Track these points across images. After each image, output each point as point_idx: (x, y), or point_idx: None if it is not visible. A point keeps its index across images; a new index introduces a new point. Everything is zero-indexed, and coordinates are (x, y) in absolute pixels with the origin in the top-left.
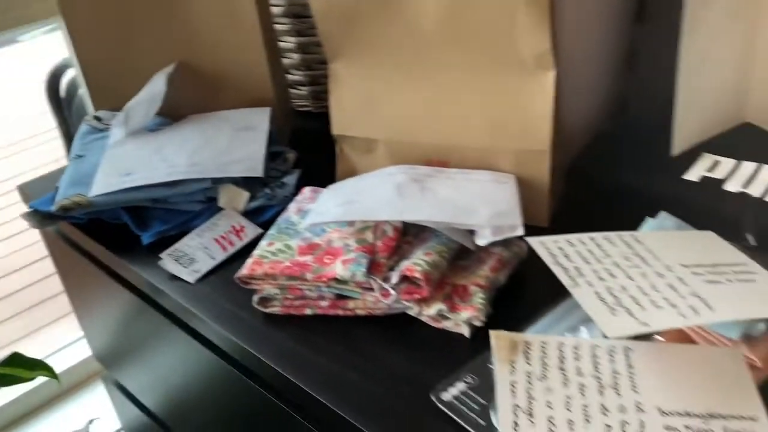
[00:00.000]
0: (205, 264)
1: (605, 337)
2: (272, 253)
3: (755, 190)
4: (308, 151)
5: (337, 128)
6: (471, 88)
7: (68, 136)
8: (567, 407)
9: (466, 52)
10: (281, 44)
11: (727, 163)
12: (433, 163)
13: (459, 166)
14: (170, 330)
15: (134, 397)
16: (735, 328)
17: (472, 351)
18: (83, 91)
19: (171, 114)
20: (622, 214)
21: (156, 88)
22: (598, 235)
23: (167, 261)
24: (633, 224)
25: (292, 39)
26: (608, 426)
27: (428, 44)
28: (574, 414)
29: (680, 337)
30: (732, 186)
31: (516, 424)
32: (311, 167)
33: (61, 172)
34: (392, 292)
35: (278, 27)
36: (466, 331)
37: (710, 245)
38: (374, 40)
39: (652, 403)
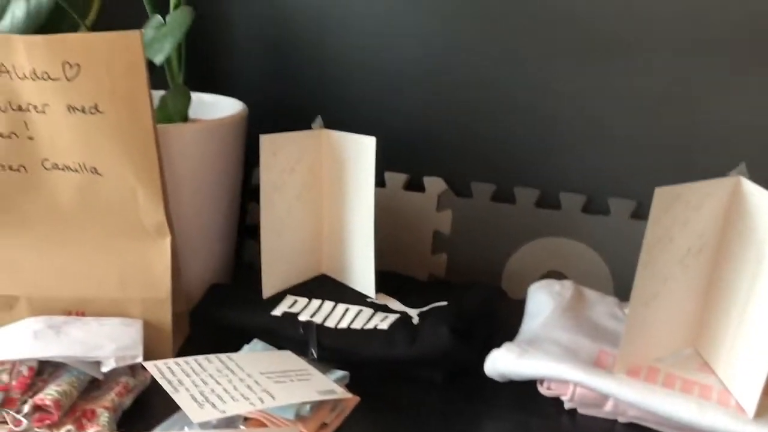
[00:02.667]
0: None
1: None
2: None
3: (318, 319)
4: None
5: None
6: (104, 249)
7: None
8: None
9: (100, 223)
10: None
11: (302, 301)
12: (71, 314)
13: (95, 315)
14: None
15: None
16: (290, 410)
17: None
18: None
19: None
20: (230, 343)
21: None
22: (200, 357)
23: None
24: (237, 349)
25: None
26: None
27: (67, 216)
28: None
29: (257, 424)
30: (303, 317)
31: None
32: None
33: None
34: (24, 420)
35: None
36: None
37: (285, 359)
38: (15, 212)
39: None
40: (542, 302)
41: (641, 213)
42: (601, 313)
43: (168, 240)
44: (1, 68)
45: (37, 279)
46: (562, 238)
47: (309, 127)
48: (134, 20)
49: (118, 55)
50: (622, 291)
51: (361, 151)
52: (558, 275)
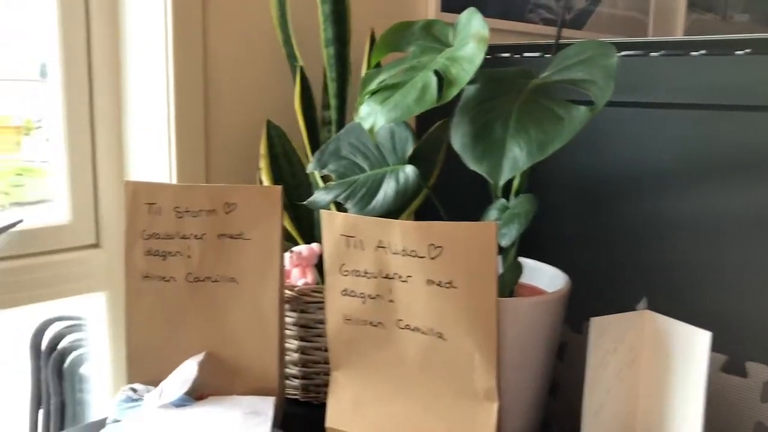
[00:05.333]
0: None
1: None
2: None
3: None
4: None
5: (330, 422)
6: (436, 405)
7: (37, 382)
8: None
9: (436, 380)
10: (287, 345)
11: None
12: None
13: None
14: None
15: None
16: None
17: None
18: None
19: (194, 393)
20: None
21: (188, 371)
22: None
23: None
24: None
25: (296, 342)
26: None
27: (409, 370)
28: None
29: None
30: None
31: None
32: None
33: None
34: None
35: (288, 333)
36: None
37: None
38: (369, 360)
39: None
40: None
41: None
42: None
43: (495, 406)
44: (381, 244)
45: (375, 421)
46: None
47: (622, 296)
48: (462, 182)
49: (475, 241)
50: None
51: (690, 342)
52: None
